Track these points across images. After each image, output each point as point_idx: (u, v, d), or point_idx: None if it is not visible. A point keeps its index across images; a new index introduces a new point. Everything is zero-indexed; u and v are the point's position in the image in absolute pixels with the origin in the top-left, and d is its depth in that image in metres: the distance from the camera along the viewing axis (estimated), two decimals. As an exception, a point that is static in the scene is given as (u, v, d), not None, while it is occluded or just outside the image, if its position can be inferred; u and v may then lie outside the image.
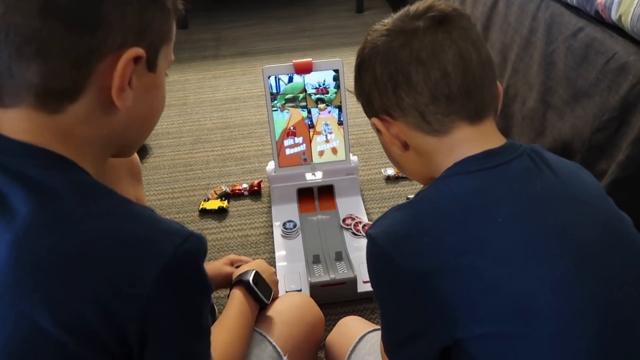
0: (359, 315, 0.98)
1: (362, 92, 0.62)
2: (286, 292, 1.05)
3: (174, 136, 1.72)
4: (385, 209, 1.45)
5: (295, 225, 1.25)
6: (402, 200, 1.39)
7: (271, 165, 1.32)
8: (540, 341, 0.47)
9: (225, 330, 0.70)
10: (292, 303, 0.83)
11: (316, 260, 1.11)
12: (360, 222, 1.25)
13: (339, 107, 1.26)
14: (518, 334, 0.48)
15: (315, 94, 1.24)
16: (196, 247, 0.45)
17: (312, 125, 1.27)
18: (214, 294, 1.04)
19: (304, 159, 1.30)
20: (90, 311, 0.41)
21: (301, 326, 0.80)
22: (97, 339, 0.42)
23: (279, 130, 1.26)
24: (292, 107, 1.25)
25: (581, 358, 0.47)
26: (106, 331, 0.42)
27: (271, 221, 1.30)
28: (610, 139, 0.97)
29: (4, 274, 0.40)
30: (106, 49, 0.44)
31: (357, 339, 0.80)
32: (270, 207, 1.35)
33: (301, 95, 1.24)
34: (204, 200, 1.41)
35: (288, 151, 1.28)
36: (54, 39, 0.42)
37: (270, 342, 0.74)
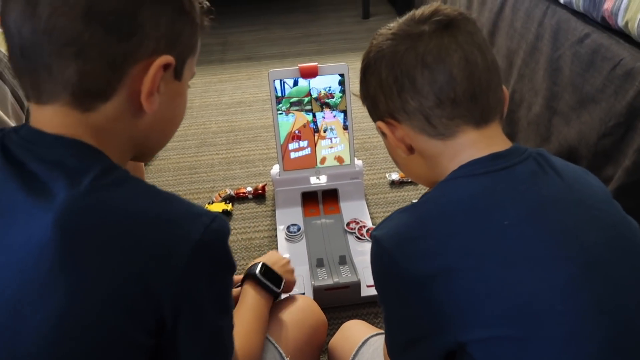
0: (363, 320, 0.98)
1: (368, 96, 0.62)
2: (289, 295, 1.05)
3: (179, 139, 1.73)
4: (389, 214, 1.45)
5: (299, 229, 1.25)
6: (406, 205, 1.39)
7: (276, 169, 1.32)
8: (546, 345, 0.46)
9: (240, 324, 0.72)
10: (294, 305, 0.83)
11: (320, 264, 1.11)
12: (364, 226, 1.25)
13: (344, 112, 1.26)
14: (523, 337, 0.47)
15: (319, 99, 1.25)
16: (223, 227, 0.48)
17: (317, 130, 1.27)
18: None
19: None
20: (131, 287, 0.44)
21: (303, 328, 0.80)
22: (136, 314, 0.44)
23: (283, 133, 1.26)
24: (297, 110, 1.25)
25: None
26: (145, 306, 0.45)
27: (275, 224, 1.30)
28: (617, 145, 0.96)
29: (49, 252, 0.42)
30: (139, 55, 0.47)
31: (360, 343, 0.79)
32: (274, 210, 1.35)
33: (306, 99, 1.24)
34: (209, 203, 1.41)
35: (293, 155, 1.28)
36: (94, 42, 0.45)
37: (273, 344, 0.74)
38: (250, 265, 0.85)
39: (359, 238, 1.22)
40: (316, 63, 1.22)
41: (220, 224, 0.48)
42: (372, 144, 1.66)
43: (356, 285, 1.06)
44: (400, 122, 0.58)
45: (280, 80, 1.22)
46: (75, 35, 0.45)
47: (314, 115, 1.26)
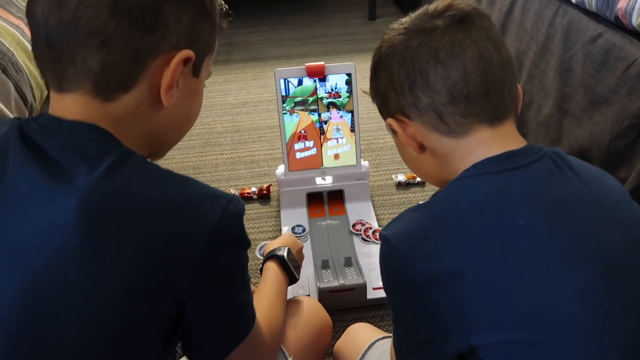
0: (369, 322, 0.97)
1: (378, 92, 0.61)
2: (294, 296, 1.04)
3: (183, 139, 1.70)
4: (396, 215, 1.44)
5: (304, 230, 1.23)
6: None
7: (281, 169, 1.31)
8: (564, 349, 0.45)
9: (264, 297, 0.75)
10: (298, 306, 0.83)
11: (325, 265, 1.10)
12: (370, 228, 1.23)
13: (351, 112, 1.25)
14: (539, 342, 0.46)
15: (327, 99, 1.23)
16: (239, 208, 0.50)
17: (322, 131, 1.26)
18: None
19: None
20: (151, 270, 0.45)
21: (308, 329, 0.79)
22: (156, 297, 0.46)
23: (288, 133, 1.25)
24: (302, 110, 1.24)
25: None
26: (165, 289, 0.46)
27: (280, 225, 1.29)
28: (630, 147, 0.95)
29: (72, 236, 0.43)
30: (161, 48, 0.48)
31: (366, 346, 0.78)
32: (279, 211, 1.34)
33: (311, 99, 1.23)
34: (213, 203, 1.40)
35: (299, 155, 1.27)
36: (118, 33, 0.46)
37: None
38: (269, 246, 0.90)
39: (364, 240, 1.21)
40: (323, 62, 1.21)
41: (237, 205, 0.50)
42: (379, 144, 1.64)
43: (362, 288, 1.05)
44: (412, 119, 0.57)
45: (285, 80, 1.21)
46: (101, 27, 0.46)
47: (320, 116, 1.24)
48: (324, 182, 1.30)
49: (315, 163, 1.28)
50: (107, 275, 0.44)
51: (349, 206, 1.30)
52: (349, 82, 1.22)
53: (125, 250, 0.44)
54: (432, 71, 0.53)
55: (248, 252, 0.56)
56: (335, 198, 1.32)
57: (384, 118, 0.61)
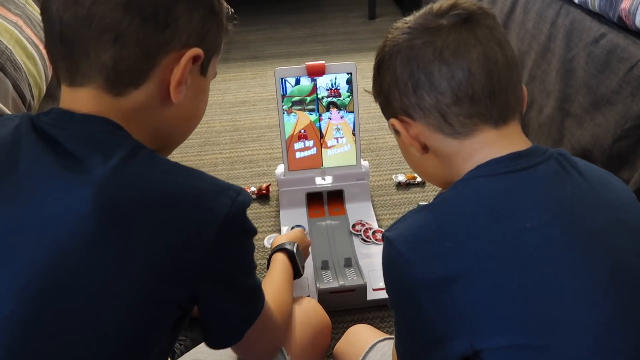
0: (369, 324, 0.96)
1: (381, 92, 0.60)
2: (293, 297, 1.03)
3: (182, 138, 1.70)
4: (396, 216, 1.44)
5: (303, 230, 1.22)
6: (413, 207, 1.36)
7: (280, 169, 1.30)
8: (570, 354, 0.44)
9: (274, 281, 0.81)
10: (297, 306, 0.83)
11: (325, 266, 1.09)
12: (370, 229, 1.22)
13: (352, 112, 1.24)
14: (544, 346, 0.45)
15: (327, 98, 1.22)
16: (247, 199, 0.52)
17: (322, 135, 1.25)
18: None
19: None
20: (165, 258, 0.46)
21: (307, 329, 0.79)
22: (168, 287, 0.47)
23: (286, 134, 1.24)
24: (299, 110, 1.23)
25: None
26: (177, 277, 0.48)
27: (279, 225, 1.28)
28: (633, 148, 0.94)
29: (88, 225, 0.44)
30: (172, 46, 0.50)
31: (367, 349, 0.78)
32: (278, 211, 1.33)
33: (309, 98, 1.22)
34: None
35: (298, 154, 1.26)
36: (131, 30, 0.48)
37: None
38: (278, 239, 0.96)
39: (364, 240, 1.20)
40: (323, 62, 1.20)
41: (245, 196, 0.51)
42: (379, 144, 1.64)
43: (362, 289, 1.04)
44: (415, 119, 0.56)
45: (282, 79, 1.20)
46: (115, 23, 0.47)
47: (320, 116, 1.24)
48: (324, 182, 1.29)
49: (315, 163, 1.27)
50: (121, 264, 0.45)
51: (349, 206, 1.29)
52: (349, 82, 1.21)
53: (139, 240, 0.46)
54: (436, 71, 0.53)
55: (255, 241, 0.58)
56: (335, 198, 1.31)
57: (387, 118, 0.61)
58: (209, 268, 0.50)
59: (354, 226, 1.23)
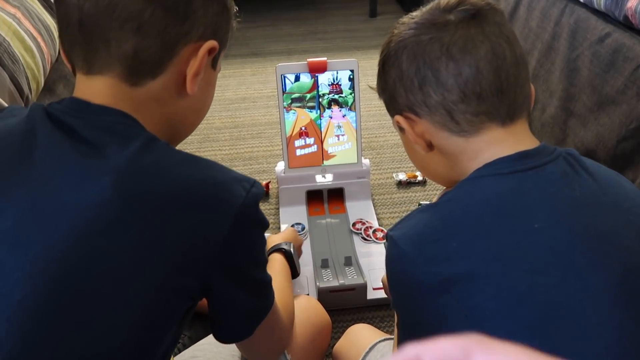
0: (369, 323, 0.95)
1: (386, 89, 0.59)
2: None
3: (181, 134, 1.69)
4: (397, 214, 1.43)
5: (303, 228, 1.21)
6: (413, 206, 1.36)
7: (280, 166, 1.29)
8: (580, 359, 0.43)
9: (276, 283, 0.80)
10: (297, 305, 0.82)
11: (325, 264, 1.08)
12: (370, 227, 1.21)
13: (353, 110, 1.23)
14: (552, 350, 0.43)
15: (329, 94, 1.21)
16: (261, 191, 0.52)
17: (322, 138, 1.24)
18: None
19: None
20: (181, 247, 0.47)
21: (307, 327, 0.79)
22: (183, 275, 0.47)
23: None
24: (299, 107, 1.22)
25: None
26: (192, 267, 0.48)
27: (279, 223, 1.27)
28: (637, 149, 0.93)
29: (107, 211, 0.45)
30: (190, 38, 0.51)
31: (367, 349, 0.77)
32: (278, 208, 1.32)
33: (308, 95, 1.21)
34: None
35: (299, 152, 1.25)
36: (153, 20, 0.48)
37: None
38: (272, 240, 0.95)
39: (365, 239, 1.19)
40: (325, 58, 1.19)
41: (258, 188, 0.52)
42: (379, 142, 1.63)
43: (362, 288, 1.03)
44: (421, 117, 0.55)
45: (282, 75, 1.18)
46: (137, 13, 0.48)
47: (321, 113, 1.22)
48: (324, 179, 1.28)
49: (315, 160, 1.26)
50: (138, 252, 0.45)
51: (349, 205, 1.28)
52: (351, 79, 1.20)
53: (156, 229, 0.46)
54: (443, 67, 0.52)
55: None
56: (335, 196, 1.30)
57: (391, 115, 0.60)
58: (223, 258, 0.50)
59: (354, 225, 1.22)
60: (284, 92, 1.20)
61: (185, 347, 0.79)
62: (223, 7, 0.54)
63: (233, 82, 2.06)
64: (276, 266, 0.87)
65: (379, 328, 0.93)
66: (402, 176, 1.44)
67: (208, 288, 0.51)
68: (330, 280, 1.04)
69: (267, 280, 0.58)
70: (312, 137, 1.24)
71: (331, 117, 1.23)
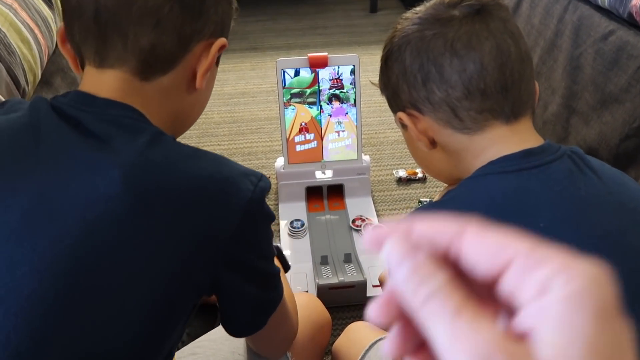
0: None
1: (389, 85, 0.58)
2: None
3: (180, 128, 1.68)
4: (396, 211, 1.42)
5: (302, 225, 1.21)
6: (413, 203, 1.35)
7: (280, 162, 1.28)
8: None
9: None
10: (297, 302, 0.80)
11: (324, 261, 1.07)
12: (370, 224, 1.21)
13: (354, 106, 1.22)
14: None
15: (329, 89, 1.20)
16: (268, 185, 0.52)
17: (322, 135, 1.23)
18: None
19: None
20: (191, 240, 0.47)
21: (307, 325, 0.78)
22: (193, 269, 0.47)
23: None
24: (298, 102, 1.20)
25: None
26: (201, 261, 0.48)
27: (278, 219, 1.26)
28: (640, 148, 0.93)
29: (117, 205, 0.44)
30: (203, 35, 0.52)
31: (366, 347, 0.76)
32: (277, 204, 1.31)
33: (308, 91, 1.19)
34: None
35: (299, 147, 1.24)
36: (171, 16, 0.49)
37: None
38: None
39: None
40: (326, 53, 1.18)
41: (266, 182, 0.51)
42: (379, 139, 1.62)
43: (362, 285, 1.02)
44: (424, 113, 0.54)
45: (282, 70, 1.17)
46: (156, 8, 0.48)
47: (321, 109, 1.21)
48: (324, 176, 1.28)
49: (315, 156, 1.25)
50: (148, 246, 0.45)
51: (349, 201, 1.28)
52: (352, 74, 1.19)
53: (166, 223, 0.46)
54: (447, 63, 0.51)
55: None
56: (334, 192, 1.29)
57: (394, 112, 0.59)
58: (232, 253, 0.50)
59: (354, 221, 1.21)
60: (283, 87, 1.19)
61: (185, 344, 0.79)
62: (230, 5, 0.55)
63: (232, 77, 2.04)
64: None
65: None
66: (402, 173, 1.44)
67: (217, 283, 0.51)
68: (330, 277, 1.03)
69: (276, 272, 0.58)
70: (312, 133, 1.23)
71: (330, 115, 1.22)
